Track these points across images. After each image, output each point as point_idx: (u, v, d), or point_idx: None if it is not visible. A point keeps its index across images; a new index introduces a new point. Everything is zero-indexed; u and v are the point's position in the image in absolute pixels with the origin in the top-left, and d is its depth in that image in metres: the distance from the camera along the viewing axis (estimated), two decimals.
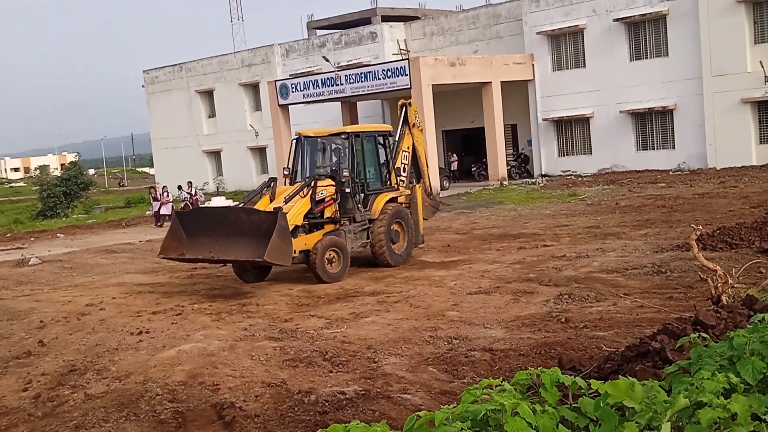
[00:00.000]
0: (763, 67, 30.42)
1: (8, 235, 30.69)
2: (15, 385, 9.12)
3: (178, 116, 51.46)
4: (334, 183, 14.96)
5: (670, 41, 33.49)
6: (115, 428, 7.54)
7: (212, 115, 50.72)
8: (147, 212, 34.87)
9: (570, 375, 6.60)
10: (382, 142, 16.23)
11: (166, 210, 30.29)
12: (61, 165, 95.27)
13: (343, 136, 15.48)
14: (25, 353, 10.52)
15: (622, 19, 34.43)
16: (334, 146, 15.81)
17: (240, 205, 15.42)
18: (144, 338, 10.96)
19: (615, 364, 5.99)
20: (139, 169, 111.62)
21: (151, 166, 62.19)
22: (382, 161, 16.26)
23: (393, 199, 15.88)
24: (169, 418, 7.69)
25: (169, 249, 14.11)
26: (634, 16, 34.13)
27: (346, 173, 14.93)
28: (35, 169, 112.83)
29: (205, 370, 9.06)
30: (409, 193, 16.40)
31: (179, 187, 33.81)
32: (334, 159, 15.76)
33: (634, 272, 12.87)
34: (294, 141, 15.91)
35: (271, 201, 14.57)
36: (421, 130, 17.50)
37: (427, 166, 17.89)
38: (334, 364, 8.97)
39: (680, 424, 3.15)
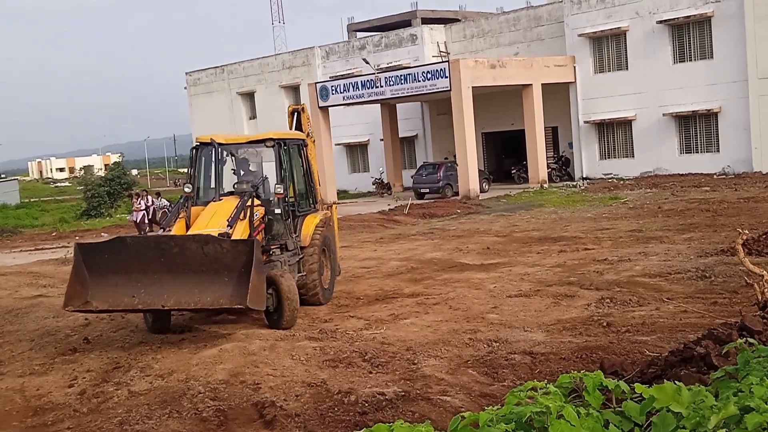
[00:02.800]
0: None
1: (54, 233, 31.28)
2: (61, 381, 9.29)
3: (219, 118, 52.00)
4: (260, 203, 12.02)
5: (715, 43, 32.99)
6: (158, 425, 7.64)
7: (253, 116, 51.17)
8: (128, 218, 31.88)
9: (613, 379, 6.56)
10: (299, 152, 13.11)
11: (135, 217, 27.90)
12: (105, 165, 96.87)
13: (268, 144, 12.24)
14: (70, 350, 10.71)
15: (665, 21, 34.01)
16: (256, 156, 12.84)
17: (168, 233, 11.64)
18: (186, 336, 11.08)
19: (658, 369, 5.93)
20: (181, 170, 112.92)
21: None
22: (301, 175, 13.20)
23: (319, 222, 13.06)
24: (211, 416, 7.77)
25: (73, 297, 10.31)
26: (677, 18, 33.68)
27: (280, 190, 11.87)
28: (80, 169, 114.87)
29: (246, 369, 9.14)
30: (329, 214, 13.84)
31: (158, 194, 31.58)
32: (256, 172, 12.79)
33: (678, 277, 12.70)
34: (195, 149, 12.53)
35: (188, 225, 11.49)
36: (314, 141, 14.48)
37: (319, 183, 14.39)
38: (373, 365, 8.99)
39: (726, 430, 3.11)
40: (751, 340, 4.41)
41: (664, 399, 3.31)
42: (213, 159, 12.43)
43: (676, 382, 4.76)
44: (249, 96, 51.28)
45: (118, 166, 58.25)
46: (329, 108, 38.49)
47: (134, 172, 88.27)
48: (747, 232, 8.95)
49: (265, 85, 49.68)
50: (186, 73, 55.07)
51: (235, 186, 12.28)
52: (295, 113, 14.28)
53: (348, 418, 7.39)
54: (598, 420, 3.29)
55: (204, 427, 7.51)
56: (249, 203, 11.51)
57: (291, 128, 14.07)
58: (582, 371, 3.89)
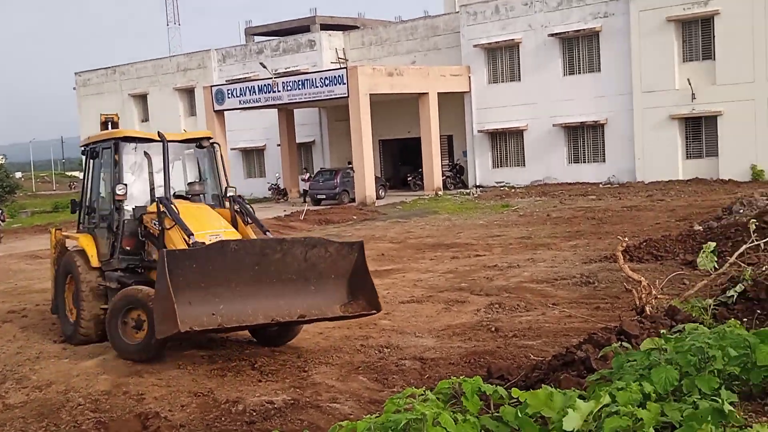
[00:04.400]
0: (690, 84, 31.33)
1: None
2: None
3: None
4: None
5: (603, 57, 34.27)
6: None
7: (146, 119, 49.86)
8: None
9: (498, 384, 6.66)
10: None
11: None
12: None
13: (204, 143, 11.28)
14: None
15: (556, 34, 35.09)
16: (191, 157, 11.57)
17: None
18: (67, 346, 10.67)
19: (542, 373, 6.05)
20: (69, 173, 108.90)
21: (81, 170, 60.91)
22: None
23: None
24: (90, 429, 7.48)
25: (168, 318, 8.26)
26: (568, 32, 34.82)
27: (232, 193, 10.91)
28: None
29: (130, 379, 8.85)
30: None
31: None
32: (193, 174, 11.57)
33: (563, 282, 13.06)
34: (116, 145, 10.84)
35: (188, 231, 9.71)
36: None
37: None
38: (263, 373, 8.86)
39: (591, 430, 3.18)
40: (625, 344, 4.54)
41: (536, 404, 3.36)
42: (151, 157, 10.96)
43: (554, 386, 4.87)
44: (142, 98, 49.96)
45: (1, 168, 55.66)
46: (225, 112, 37.92)
47: (18, 174, 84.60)
48: (627, 240, 9.27)
49: (158, 87, 48.52)
50: (75, 74, 53.19)
51: (188, 187, 11.08)
52: (109, 123, 13.56)
53: (235, 428, 7.24)
54: (475, 425, 3.32)
55: None
56: (237, 209, 10.64)
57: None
58: (462, 377, 3.92)
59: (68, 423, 7.67)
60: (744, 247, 8.77)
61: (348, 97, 32.92)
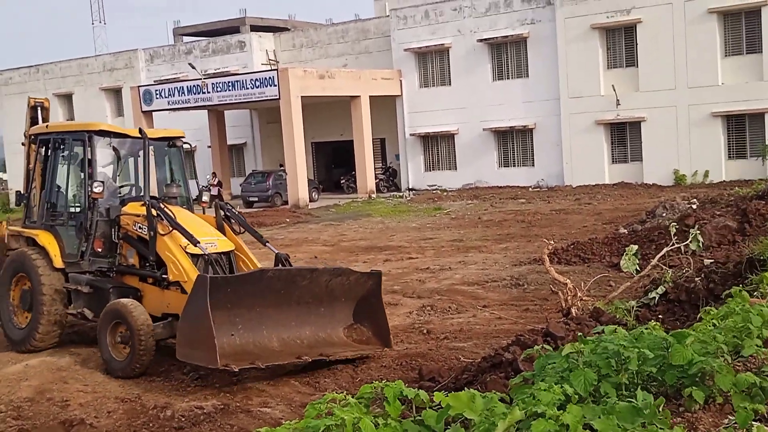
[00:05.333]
0: (615, 90, 32.12)
1: None
2: None
3: None
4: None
5: (531, 63, 34.85)
6: None
7: (71, 119, 48.62)
8: None
9: (429, 385, 6.72)
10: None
11: None
12: None
13: (178, 143, 10.84)
14: None
15: (485, 39, 35.53)
16: (164, 155, 10.97)
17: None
18: None
19: (471, 374, 6.14)
20: None
21: (5, 171, 59.03)
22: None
23: None
24: None
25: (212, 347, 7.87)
26: (496, 37, 35.29)
27: (206, 198, 10.67)
28: None
29: (54, 385, 8.65)
30: None
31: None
32: (166, 174, 11.03)
33: (494, 285, 13.25)
34: (88, 138, 10.14)
35: (187, 234, 9.28)
36: None
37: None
38: (192, 378, 8.76)
39: None
40: (548, 346, 4.64)
41: (459, 407, 3.41)
42: (127, 154, 10.62)
43: (482, 387, 4.95)
44: (67, 98, 48.70)
45: None
46: (154, 113, 37.26)
47: None
48: (553, 243, 9.46)
49: (84, 87, 47.39)
50: None
51: (165, 190, 10.56)
52: (38, 108, 12.49)
53: None
54: (396, 429, 3.34)
55: None
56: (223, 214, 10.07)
57: (28, 125, 12.26)
58: (384, 381, 3.94)
59: None
60: (665, 250, 9.04)
61: (279, 99, 32.72)
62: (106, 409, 7.87)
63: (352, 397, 3.76)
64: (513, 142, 35.99)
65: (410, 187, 38.10)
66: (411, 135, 38.07)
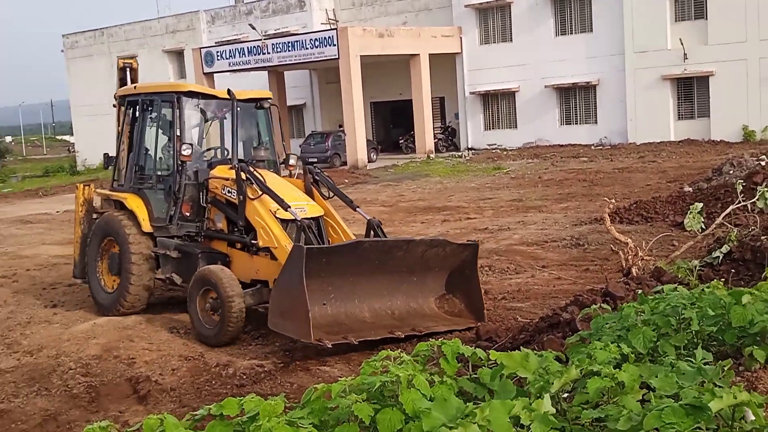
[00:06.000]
0: (682, 44, 31.16)
1: None
2: None
3: (99, 83, 49.93)
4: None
5: (595, 17, 33.99)
6: (25, 403, 7.36)
7: (135, 82, 49.45)
8: None
9: (486, 345, 6.72)
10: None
11: None
12: None
13: (265, 104, 10.51)
14: None
15: None
16: (252, 116, 10.58)
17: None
18: (58, 311, 10.70)
19: (528, 334, 6.11)
20: (59, 137, 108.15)
21: (72, 134, 60.45)
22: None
23: None
24: (81, 393, 7.54)
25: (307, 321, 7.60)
26: None
27: (293, 162, 10.27)
28: None
29: (120, 343, 8.89)
30: None
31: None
32: (254, 136, 10.73)
33: (553, 245, 13.11)
34: (177, 99, 9.88)
35: (278, 199, 8.98)
36: None
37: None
38: (253, 337, 8.90)
39: (574, 394, 3.22)
40: (605, 306, 4.58)
41: (512, 365, 3.40)
42: (213, 116, 10.46)
43: (539, 347, 4.92)
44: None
45: None
46: (215, 74, 37.61)
47: (8, 138, 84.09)
48: (614, 202, 9.28)
49: (147, 50, 48.03)
50: (63, 36, 52.62)
51: (253, 152, 10.19)
52: (127, 69, 12.22)
53: (225, 391, 7.29)
54: (452, 387, 3.35)
55: (74, 404, 7.28)
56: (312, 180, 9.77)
57: (117, 86, 12.06)
58: (441, 339, 3.94)
59: (59, 387, 7.72)
60: (730, 208, 8.79)
61: (338, 58, 32.66)
62: (171, 366, 8.07)
63: (407, 355, 3.77)
64: (575, 99, 35.32)
65: (469, 146, 37.80)
66: (471, 93, 37.66)
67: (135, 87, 10.90)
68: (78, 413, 7.07)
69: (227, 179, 9.43)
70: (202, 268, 9.07)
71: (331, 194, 9.70)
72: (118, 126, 11.01)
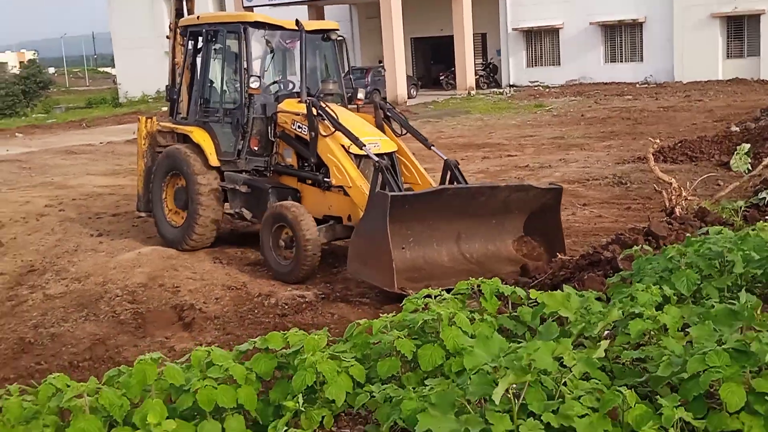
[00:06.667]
0: None
1: None
2: None
3: (140, 16, 49.88)
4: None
5: None
6: (74, 328, 7.58)
7: (179, 15, 49.26)
8: None
9: (528, 282, 6.75)
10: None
11: None
12: (20, 63, 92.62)
13: (333, 35, 10.12)
14: None
15: None
16: (318, 48, 10.28)
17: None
18: (104, 240, 10.91)
19: (568, 272, 6.12)
20: (101, 69, 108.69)
21: (114, 66, 60.74)
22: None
23: None
24: (128, 319, 7.74)
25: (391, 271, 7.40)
26: None
27: (361, 96, 10.09)
28: None
29: (165, 272, 9.07)
30: None
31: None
32: (320, 69, 10.50)
33: (595, 183, 13.01)
34: (244, 30, 9.44)
35: (350, 133, 8.68)
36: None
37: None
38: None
39: (616, 334, 3.24)
40: (647, 247, 4.55)
41: (553, 305, 3.42)
42: (277, 47, 10.08)
43: (579, 285, 4.93)
44: None
45: (34, 63, 55.79)
46: (255, 8, 37.30)
47: (51, 70, 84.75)
48: (659, 141, 9.14)
49: None
50: None
51: (321, 86, 9.91)
52: (184, 1, 11.39)
53: (267, 320, 7.45)
54: (492, 325, 3.38)
55: (121, 330, 7.48)
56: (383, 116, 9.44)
57: (173, 16, 11.38)
58: (480, 278, 3.96)
59: (107, 313, 7.93)
60: None
61: None
62: (214, 295, 8.24)
63: (448, 293, 3.81)
64: (621, 37, 34.54)
65: (511, 83, 37.30)
66: (513, 30, 36.99)
67: (198, 17, 10.39)
68: (125, 338, 7.27)
69: (297, 114, 9.12)
70: (275, 204, 8.86)
71: (404, 131, 9.34)
72: (174, 58, 10.76)
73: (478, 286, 3.93)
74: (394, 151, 8.95)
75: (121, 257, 9.83)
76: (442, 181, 8.71)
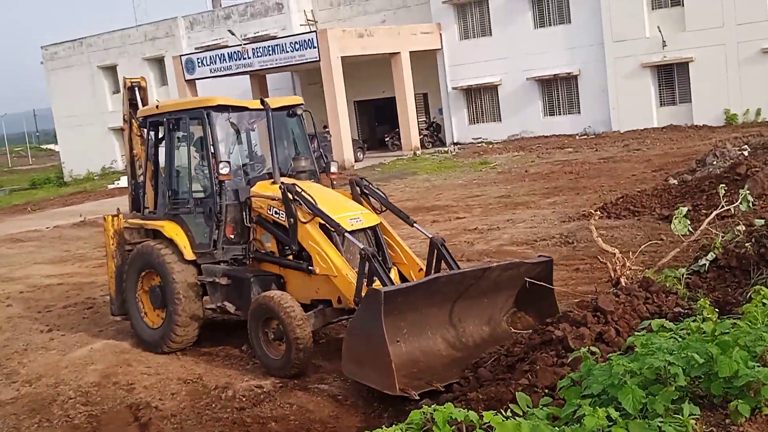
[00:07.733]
0: (660, 32, 31.33)
1: None
2: None
3: (81, 93, 49.76)
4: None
5: (572, 8, 34.10)
6: None
7: (117, 91, 49.20)
8: None
9: (482, 358, 6.78)
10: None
11: None
12: None
13: (298, 110, 9.82)
14: None
15: None
16: (285, 125, 10.00)
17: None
18: (55, 336, 10.74)
19: (521, 350, 6.20)
20: (44, 146, 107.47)
21: (57, 143, 60.19)
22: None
23: None
24: (83, 423, 7.61)
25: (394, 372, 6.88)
26: None
27: (334, 169, 9.78)
28: None
29: (119, 368, 8.96)
30: None
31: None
32: (288, 146, 10.12)
33: (543, 243, 13.23)
34: (207, 114, 9.19)
35: (324, 215, 8.42)
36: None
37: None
38: (250, 356, 8.96)
39: None
40: (594, 348, 4.68)
41: None
42: (244, 128, 9.83)
43: (533, 366, 5.00)
44: (111, 69, 49.26)
45: None
46: (197, 81, 37.54)
47: None
48: (599, 215, 9.31)
49: (127, 58, 47.84)
50: (42, 47, 52.29)
51: (293, 164, 9.56)
52: (136, 88, 10.85)
53: (226, 416, 7.38)
54: None
55: None
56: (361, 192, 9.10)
57: (126, 107, 10.83)
58: (433, 406, 3.99)
59: (60, 418, 7.78)
60: (713, 214, 8.92)
61: (320, 61, 32.69)
62: (170, 391, 8.14)
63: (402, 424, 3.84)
64: (557, 90, 35.48)
65: (455, 141, 37.91)
66: (453, 88, 37.75)
67: (157, 107, 10.01)
68: None
69: (273, 198, 8.79)
70: (259, 295, 8.49)
71: (384, 208, 9.01)
72: (132, 149, 10.48)
73: (431, 414, 3.86)
74: (377, 224, 8.69)
75: (73, 354, 9.68)
76: (429, 261, 8.42)
